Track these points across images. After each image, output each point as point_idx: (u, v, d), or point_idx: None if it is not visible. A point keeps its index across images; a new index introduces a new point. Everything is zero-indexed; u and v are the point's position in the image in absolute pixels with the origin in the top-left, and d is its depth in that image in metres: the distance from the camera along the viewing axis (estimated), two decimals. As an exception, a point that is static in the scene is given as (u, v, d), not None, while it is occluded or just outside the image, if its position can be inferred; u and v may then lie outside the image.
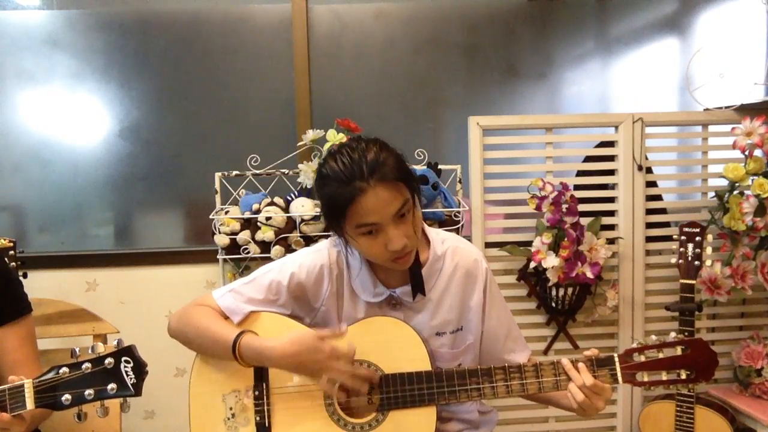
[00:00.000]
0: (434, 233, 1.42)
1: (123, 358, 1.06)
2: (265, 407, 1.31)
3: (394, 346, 1.32)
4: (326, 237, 1.99)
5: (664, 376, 1.25)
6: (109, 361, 1.06)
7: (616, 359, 1.26)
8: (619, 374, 1.25)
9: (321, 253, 1.38)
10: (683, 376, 1.24)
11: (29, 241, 2.37)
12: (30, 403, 1.08)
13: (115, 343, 1.09)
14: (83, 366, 1.06)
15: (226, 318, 1.34)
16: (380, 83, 2.48)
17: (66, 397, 1.07)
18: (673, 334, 1.28)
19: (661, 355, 1.25)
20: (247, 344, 1.25)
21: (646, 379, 1.25)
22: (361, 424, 1.30)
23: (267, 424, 1.30)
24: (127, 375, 1.06)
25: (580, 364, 1.26)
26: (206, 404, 1.33)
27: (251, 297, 1.35)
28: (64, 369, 1.07)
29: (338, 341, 1.24)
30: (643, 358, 1.25)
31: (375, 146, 1.22)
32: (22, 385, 1.09)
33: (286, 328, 1.33)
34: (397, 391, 1.29)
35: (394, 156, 1.23)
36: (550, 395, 1.36)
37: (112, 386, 1.05)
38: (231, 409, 1.32)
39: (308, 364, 1.22)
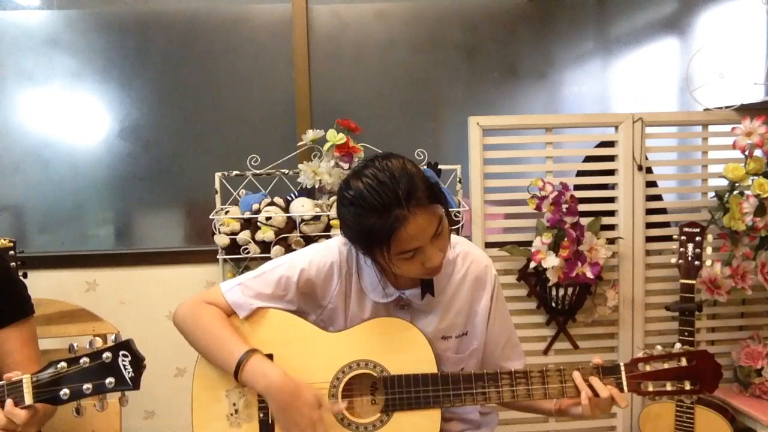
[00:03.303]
0: None
1: (121, 352, 1.06)
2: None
3: (401, 347, 1.31)
4: (326, 237, 2.00)
5: (668, 387, 1.25)
6: (107, 355, 1.06)
7: (622, 368, 1.26)
8: (624, 383, 1.26)
9: (331, 251, 1.36)
10: (688, 387, 1.24)
11: (29, 241, 2.37)
12: (29, 398, 1.08)
13: (113, 337, 1.09)
14: (81, 360, 1.06)
15: (233, 313, 1.33)
16: (380, 83, 2.48)
17: (64, 392, 1.07)
18: (678, 345, 1.29)
19: (666, 366, 1.25)
20: (252, 366, 1.24)
21: (651, 389, 1.25)
22: (365, 424, 1.29)
23: (270, 421, 1.30)
24: (125, 369, 1.06)
25: (593, 378, 1.26)
26: (209, 400, 1.32)
27: (260, 291, 1.34)
28: (62, 364, 1.07)
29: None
30: (648, 368, 1.26)
31: (399, 165, 1.17)
32: (21, 381, 1.09)
33: (291, 326, 1.33)
34: (402, 392, 1.29)
35: (419, 175, 1.19)
36: (539, 403, 1.37)
37: (110, 380, 1.05)
38: (234, 405, 1.31)
39: (292, 412, 1.21)
